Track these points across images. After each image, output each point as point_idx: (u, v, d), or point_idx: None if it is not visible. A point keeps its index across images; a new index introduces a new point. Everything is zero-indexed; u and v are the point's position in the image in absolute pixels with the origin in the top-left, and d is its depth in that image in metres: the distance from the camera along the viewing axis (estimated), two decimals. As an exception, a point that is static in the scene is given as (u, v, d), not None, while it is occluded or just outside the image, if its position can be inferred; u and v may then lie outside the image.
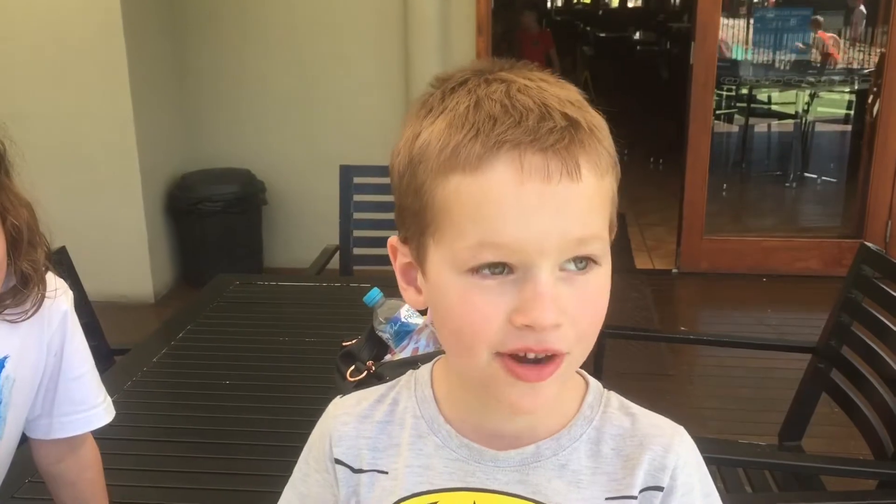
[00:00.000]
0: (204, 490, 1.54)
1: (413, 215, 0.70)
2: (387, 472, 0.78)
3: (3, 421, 1.05)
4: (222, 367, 2.04)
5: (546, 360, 0.67)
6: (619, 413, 0.77)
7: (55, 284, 1.12)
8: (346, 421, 0.81)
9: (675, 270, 4.77)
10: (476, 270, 0.66)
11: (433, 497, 0.75)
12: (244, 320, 2.37)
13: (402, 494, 0.76)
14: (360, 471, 0.79)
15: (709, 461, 1.96)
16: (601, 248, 0.68)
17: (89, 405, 1.18)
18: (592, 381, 0.79)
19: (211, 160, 4.69)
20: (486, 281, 0.66)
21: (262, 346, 2.17)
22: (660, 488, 0.74)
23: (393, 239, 0.75)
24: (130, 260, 4.38)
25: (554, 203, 0.64)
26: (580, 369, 0.78)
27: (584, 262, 0.67)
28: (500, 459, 0.74)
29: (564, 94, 0.68)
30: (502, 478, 0.74)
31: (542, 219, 0.64)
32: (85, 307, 2.42)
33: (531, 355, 0.66)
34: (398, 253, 0.75)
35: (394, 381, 0.83)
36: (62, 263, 2.40)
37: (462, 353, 0.69)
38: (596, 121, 0.69)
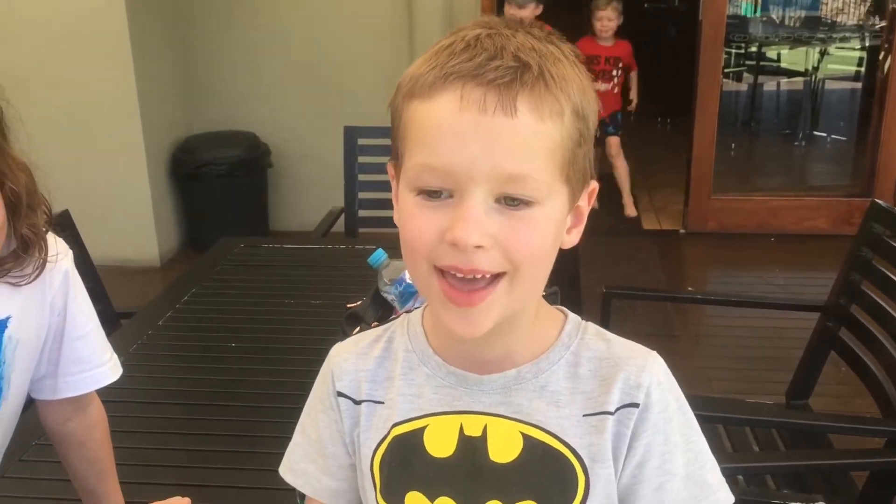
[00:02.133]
0: (209, 452, 1.54)
1: (393, 139, 0.78)
2: (383, 402, 0.84)
3: (6, 382, 1.04)
4: (227, 330, 2.04)
5: (478, 282, 0.72)
6: (595, 339, 0.82)
7: (56, 248, 1.11)
8: (346, 358, 0.87)
9: (682, 231, 4.74)
10: (419, 192, 0.72)
11: (424, 421, 0.82)
12: (249, 283, 2.37)
13: (396, 419, 0.83)
14: (359, 402, 0.85)
15: (715, 420, 1.96)
16: (537, 192, 0.71)
17: (95, 363, 1.17)
18: (572, 315, 0.85)
19: (215, 123, 4.66)
20: (427, 201, 0.72)
21: (268, 308, 2.17)
22: (635, 405, 0.78)
23: (390, 163, 0.81)
24: (136, 224, 4.37)
25: (487, 133, 0.69)
26: (561, 306, 0.86)
27: (516, 202, 0.71)
28: (483, 383, 0.80)
29: (536, 45, 0.72)
30: (486, 400, 0.80)
31: (474, 147, 0.69)
32: (89, 271, 2.41)
33: (459, 274, 0.72)
34: (392, 176, 0.81)
35: (389, 324, 0.90)
36: (65, 228, 2.39)
37: (410, 266, 0.76)
38: (560, 72, 0.72)
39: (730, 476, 0.83)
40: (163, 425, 1.63)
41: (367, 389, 0.85)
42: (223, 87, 4.74)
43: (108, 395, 1.67)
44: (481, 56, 0.70)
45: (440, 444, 0.81)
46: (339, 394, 0.86)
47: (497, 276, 0.72)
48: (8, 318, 1.03)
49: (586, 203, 0.79)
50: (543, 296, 0.86)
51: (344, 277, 2.30)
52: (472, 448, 0.80)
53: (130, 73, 4.15)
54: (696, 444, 0.81)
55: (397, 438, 0.82)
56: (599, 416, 0.78)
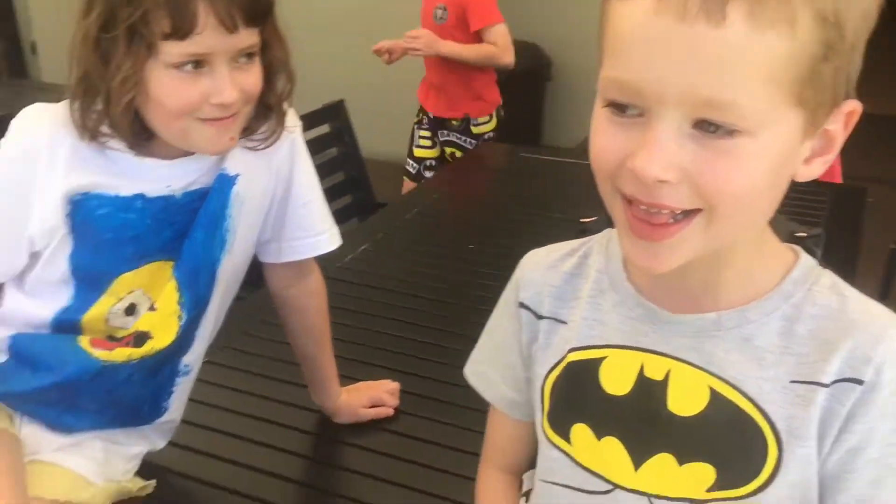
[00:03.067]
0: (423, 343, 1.57)
1: (598, 38, 0.67)
2: (566, 322, 0.78)
3: (232, 234, 1.12)
4: (468, 232, 2.07)
5: (665, 215, 0.61)
6: (827, 292, 0.68)
7: (295, 121, 1.17)
8: (533, 268, 0.82)
9: None
10: (608, 103, 0.62)
11: (603, 352, 0.75)
12: (498, 189, 2.38)
13: (574, 344, 0.76)
14: (541, 317, 0.80)
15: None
16: (744, 120, 0.57)
17: (316, 231, 1.23)
18: (805, 257, 0.71)
19: (501, 32, 4.67)
20: (615, 116, 0.62)
21: (511, 216, 2.16)
22: (858, 381, 0.64)
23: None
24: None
25: (682, 45, 0.56)
26: (795, 246, 0.72)
27: (718, 128, 0.58)
28: (674, 323, 0.71)
29: None
30: (675, 342, 0.71)
31: (666, 62, 0.57)
32: (356, 161, 2.56)
33: (643, 206, 0.62)
34: None
35: (589, 237, 0.82)
36: (338, 116, 2.54)
37: (597, 182, 0.66)
38: None
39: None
40: (385, 311, 1.68)
41: (551, 306, 0.79)
42: (514, -5, 4.71)
43: (341, 274, 1.77)
44: None
45: (616, 380, 0.73)
46: (522, 304, 0.81)
47: (692, 212, 0.61)
48: (237, 176, 1.10)
49: (840, 126, 0.64)
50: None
51: (592, 194, 2.23)
52: (649, 392, 0.71)
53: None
54: None
55: (572, 364, 0.76)
56: (809, 385, 0.65)
